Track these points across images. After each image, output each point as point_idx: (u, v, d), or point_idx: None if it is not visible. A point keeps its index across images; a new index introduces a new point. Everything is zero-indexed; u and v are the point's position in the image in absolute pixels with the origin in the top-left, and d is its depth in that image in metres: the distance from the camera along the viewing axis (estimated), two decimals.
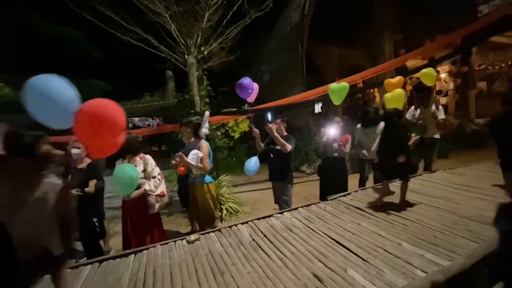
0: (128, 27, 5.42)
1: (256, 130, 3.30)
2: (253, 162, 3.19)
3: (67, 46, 11.73)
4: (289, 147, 3.15)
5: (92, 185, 2.89)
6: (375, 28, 8.79)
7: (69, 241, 1.71)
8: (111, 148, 1.62)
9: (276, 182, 3.47)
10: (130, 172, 2.41)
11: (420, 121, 4.27)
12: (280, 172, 3.35)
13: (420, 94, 4.57)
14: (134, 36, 5.54)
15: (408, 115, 4.53)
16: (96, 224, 2.96)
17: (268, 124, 3.16)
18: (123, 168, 2.43)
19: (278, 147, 3.21)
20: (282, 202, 3.38)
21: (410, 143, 3.58)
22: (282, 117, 3.43)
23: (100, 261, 2.35)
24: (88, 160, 2.99)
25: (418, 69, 4.79)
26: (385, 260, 1.99)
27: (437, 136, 4.29)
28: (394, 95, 3.74)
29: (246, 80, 3.26)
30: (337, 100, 3.75)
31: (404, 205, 3.01)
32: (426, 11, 7.93)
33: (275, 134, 3.11)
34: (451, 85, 10.35)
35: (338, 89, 3.70)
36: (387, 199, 3.21)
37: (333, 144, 3.67)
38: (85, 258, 2.86)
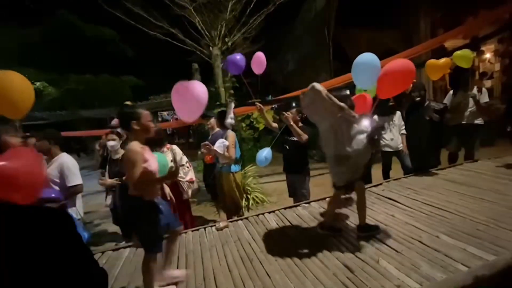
0: (155, 22, 5.58)
1: (258, 105, 3.20)
2: (265, 153, 3.12)
3: (103, 45, 12.38)
4: (305, 136, 3.04)
5: None
6: (410, 5, 8.10)
7: None
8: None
9: (292, 175, 3.32)
10: (161, 159, 2.60)
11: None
12: (296, 164, 3.22)
13: (458, 77, 4.17)
14: (161, 31, 5.70)
15: (446, 100, 4.18)
16: None
17: (284, 113, 3.07)
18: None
19: (294, 138, 3.10)
20: (300, 195, 3.24)
21: None
22: (297, 107, 3.23)
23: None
24: (123, 151, 3.17)
25: (458, 49, 4.36)
26: (421, 252, 1.89)
27: (478, 121, 3.92)
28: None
29: (238, 56, 3.29)
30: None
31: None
32: None
33: (291, 123, 3.03)
34: (497, 66, 9.32)
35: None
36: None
37: None
38: (124, 242, 3.08)
